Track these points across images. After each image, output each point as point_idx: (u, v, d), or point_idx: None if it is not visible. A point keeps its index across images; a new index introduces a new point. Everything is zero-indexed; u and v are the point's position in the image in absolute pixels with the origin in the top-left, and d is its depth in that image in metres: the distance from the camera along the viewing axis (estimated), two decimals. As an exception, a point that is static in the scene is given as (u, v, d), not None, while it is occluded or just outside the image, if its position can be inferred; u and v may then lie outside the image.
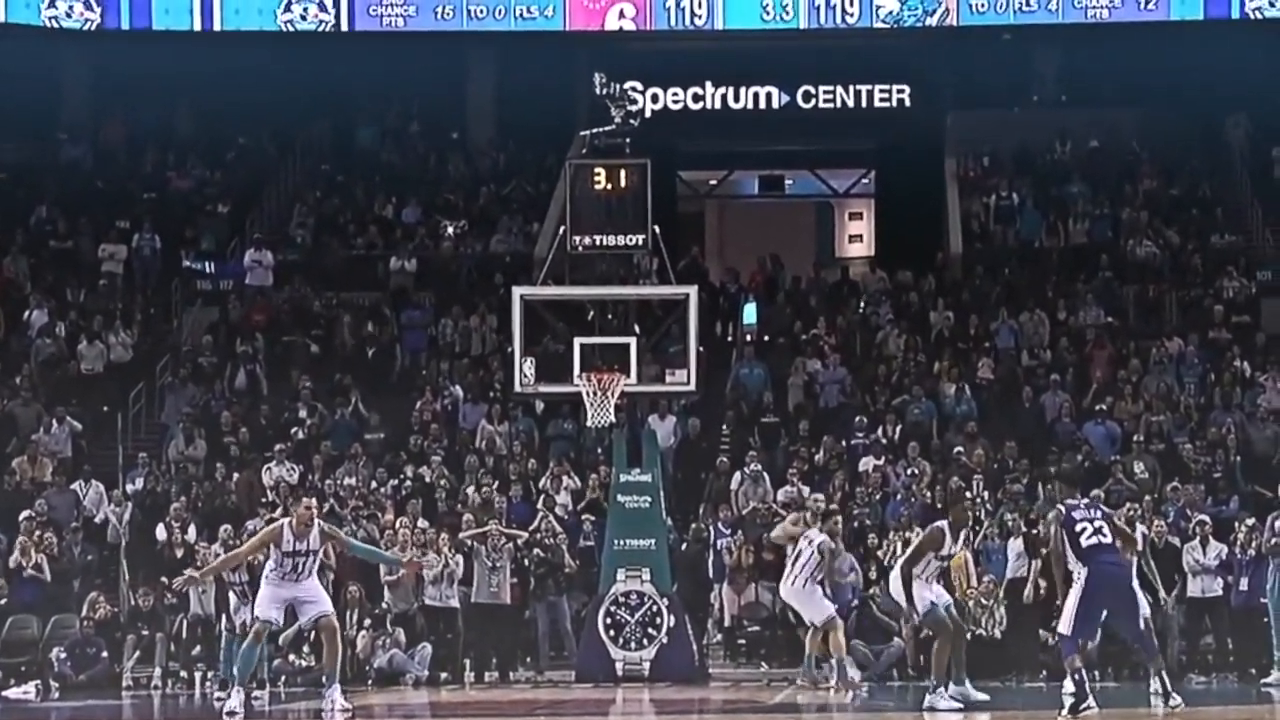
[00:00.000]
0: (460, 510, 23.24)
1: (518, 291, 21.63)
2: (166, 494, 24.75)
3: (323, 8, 33.02)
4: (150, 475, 25.32)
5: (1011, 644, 21.50)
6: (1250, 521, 21.26)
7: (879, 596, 21.70)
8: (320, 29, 33.13)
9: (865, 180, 36.55)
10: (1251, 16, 32.38)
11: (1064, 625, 14.68)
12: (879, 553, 22.32)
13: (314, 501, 16.50)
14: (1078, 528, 14.52)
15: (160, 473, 25.58)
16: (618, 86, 21.56)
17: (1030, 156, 33.87)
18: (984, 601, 21.52)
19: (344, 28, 33.13)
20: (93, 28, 32.88)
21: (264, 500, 24.01)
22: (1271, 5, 32.44)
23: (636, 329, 21.35)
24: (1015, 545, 21.91)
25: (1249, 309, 29.01)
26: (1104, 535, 14.49)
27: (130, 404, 27.65)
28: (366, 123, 35.60)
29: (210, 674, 21.59)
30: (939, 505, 23.21)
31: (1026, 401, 26.73)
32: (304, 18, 33.08)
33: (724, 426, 27.15)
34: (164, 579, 21.94)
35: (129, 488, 25.03)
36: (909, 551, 16.65)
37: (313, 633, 21.35)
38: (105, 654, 21.84)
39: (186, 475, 25.47)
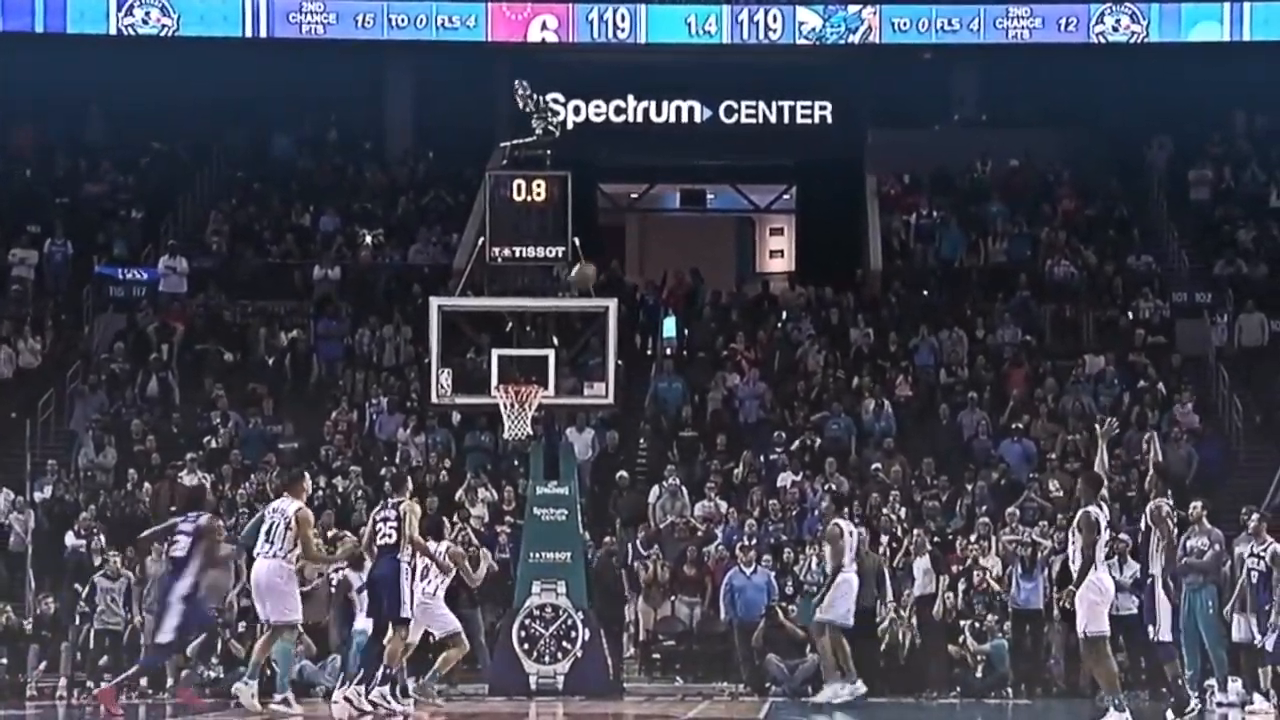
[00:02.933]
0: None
1: (435, 302, 21.43)
2: (75, 502, 24.37)
3: (165, 12, 32.83)
4: (59, 483, 24.91)
5: (923, 660, 21.54)
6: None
7: (792, 610, 21.70)
8: (162, 34, 32.91)
9: (786, 196, 36.61)
10: (1095, 41, 32.95)
11: None
12: (795, 568, 22.27)
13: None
14: None
15: (69, 481, 25.18)
16: (539, 98, 21.44)
17: (950, 175, 34.02)
18: (900, 613, 21.57)
19: (181, 32, 32.92)
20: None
21: (172, 509, 23.64)
22: (1115, 30, 32.92)
23: (555, 341, 21.21)
24: (922, 562, 21.92)
25: (1164, 330, 29.21)
26: None
27: (39, 411, 27.22)
28: (283, 130, 35.29)
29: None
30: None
31: (944, 419, 26.78)
32: (145, 21, 32.85)
33: (641, 440, 27.04)
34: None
35: (37, 495, 24.60)
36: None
37: (219, 643, 21.25)
38: (4, 661, 21.46)
39: (95, 484, 25.08)
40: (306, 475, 18.70)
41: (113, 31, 33.03)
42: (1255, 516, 18.83)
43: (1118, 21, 33.06)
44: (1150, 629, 16.65)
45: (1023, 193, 33.48)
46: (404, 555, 16.66)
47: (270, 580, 16.85)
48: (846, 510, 21.94)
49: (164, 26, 33.07)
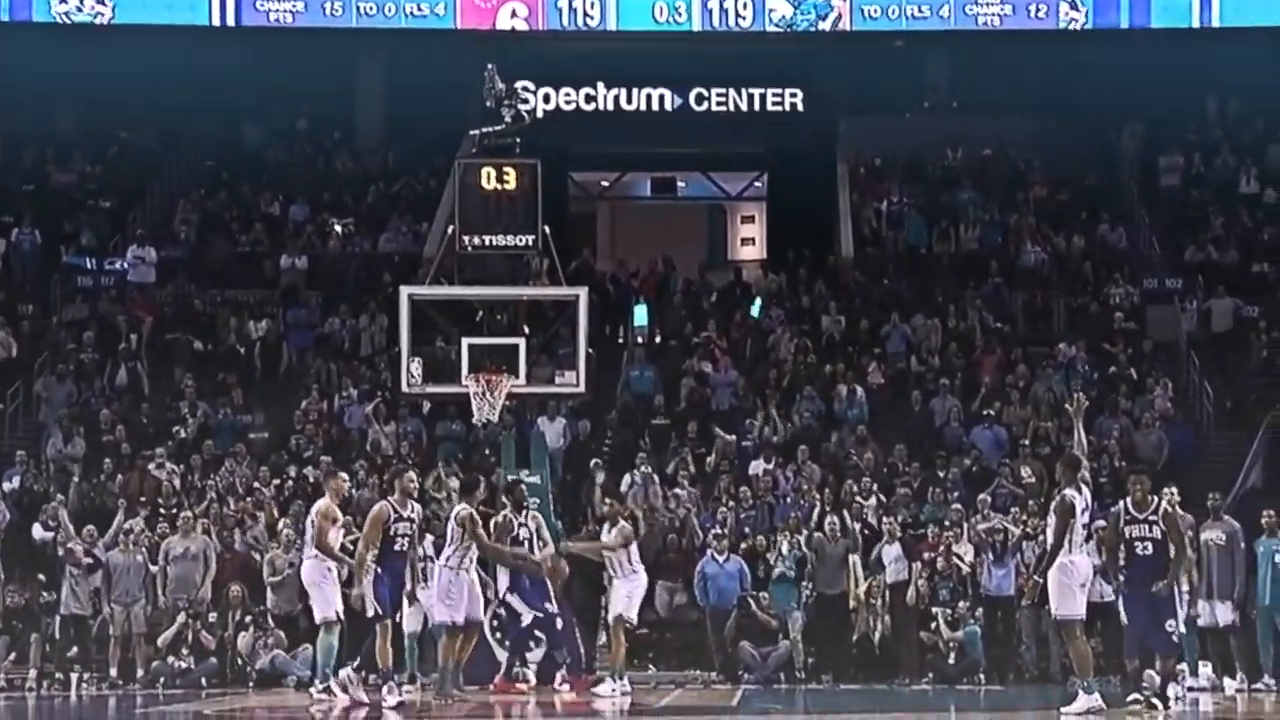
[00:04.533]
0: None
1: (405, 291, 21.36)
2: (44, 493, 24.22)
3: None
4: (27, 474, 24.76)
5: (895, 647, 21.54)
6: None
7: (764, 598, 21.69)
8: (96, 21, 32.69)
9: (757, 184, 36.56)
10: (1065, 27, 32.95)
11: None
12: (767, 555, 22.25)
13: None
14: None
15: (38, 471, 25.04)
16: (508, 86, 21.35)
17: (921, 162, 34.02)
18: (871, 602, 21.59)
19: (114, 20, 32.70)
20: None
21: (142, 499, 23.55)
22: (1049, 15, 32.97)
23: (526, 330, 21.13)
24: (893, 549, 21.94)
25: (1135, 316, 29.25)
26: None
27: (8, 402, 27.07)
28: (253, 119, 35.14)
29: (86, 675, 21.18)
30: (827, 508, 23.16)
31: (916, 406, 26.78)
32: (80, 9, 32.64)
33: (609, 430, 26.96)
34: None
35: (5, 486, 24.45)
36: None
37: (189, 634, 21.13)
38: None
39: (65, 475, 24.94)
40: (340, 474, 18.72)
41: (52, 19, 32.82)
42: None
43: (1055, 6, 33.07)
44: (1171, 623, 16.77)
45: (994, 179, 33.50)
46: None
47: (308, 578, 17.34)
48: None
49: (97, 13, 32.86)
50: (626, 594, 18.98)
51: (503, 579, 19.02)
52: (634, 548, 19.15)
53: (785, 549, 22.02)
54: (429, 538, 19.02)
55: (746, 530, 23.12)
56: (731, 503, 23.53)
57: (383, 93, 35.50)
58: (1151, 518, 17.02)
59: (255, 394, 27.26)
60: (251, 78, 33.65)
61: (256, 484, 24.05)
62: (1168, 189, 33.09)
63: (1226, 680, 20.06)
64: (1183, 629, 17.52)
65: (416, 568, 17.47)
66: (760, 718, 17.09)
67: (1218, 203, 32.27)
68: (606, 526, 19.43)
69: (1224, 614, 20.23)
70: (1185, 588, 18.22)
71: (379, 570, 17.05)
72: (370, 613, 17.04)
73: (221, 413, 26.40)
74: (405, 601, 17.74)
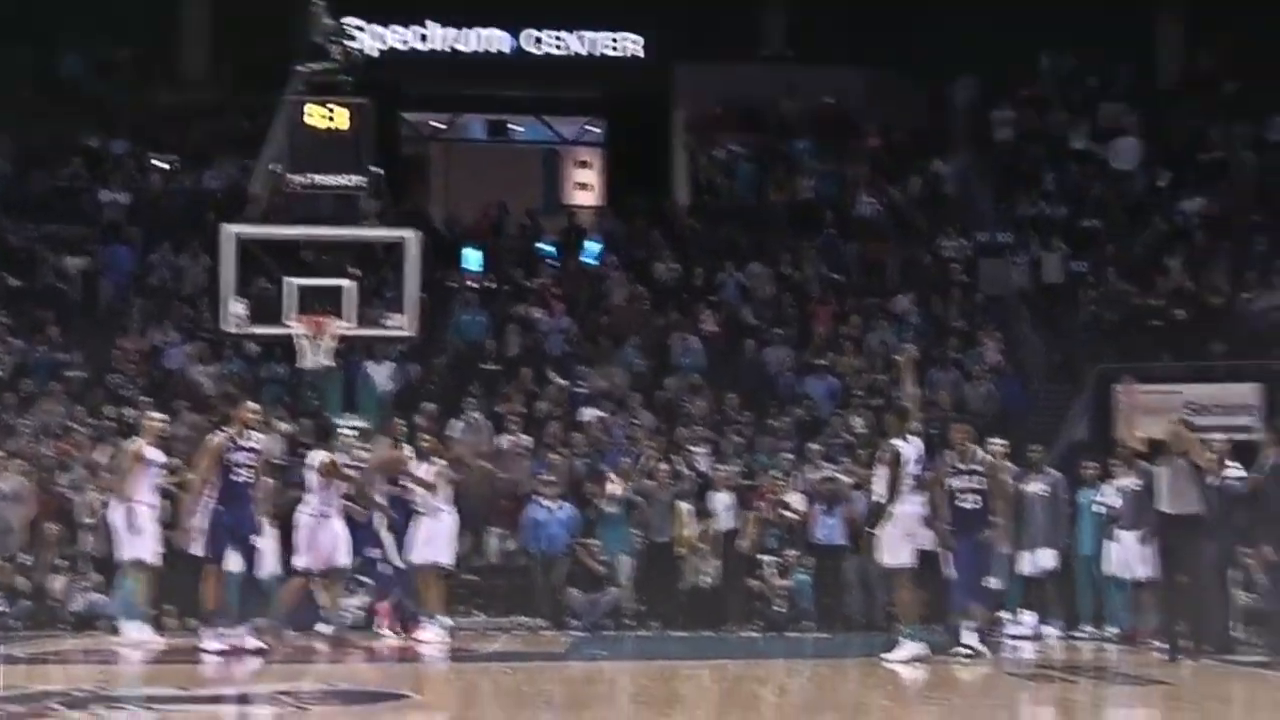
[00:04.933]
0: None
1: (229, 229, 20.82)
2: None
3: None
4: None
5: (724, 595, 21.49)
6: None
7: (595, 544, 21.55)
8: None
9: (594, 128, 36.26)
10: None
11: None
12: (597, 501, 22.06)
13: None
14: None
15: None
16: (337, 22, 20.88)
17: (758, 111, 33.86)
18: (701, 549, 21.53)
19: None
20: None
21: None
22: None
23: (356, 272, 20.74)
24: (724, 497, 21.87)
25: (968, 269, 29.40)
26: None
27: None
28: (72, 50, 34.03)
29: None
30: (659, 455, 22.97)
31: (749, 355, 26.70)
32: None
33: (437, 373, 26.55)
34: None
35: None
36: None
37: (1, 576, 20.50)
38: None
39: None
40: (155, 414, 18.81)
41: None
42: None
43: None
44: (992, 580, 17.05)
45: (830, 130, 33.43)
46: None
47: (114, 520, 17.77)
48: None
49: None
50: (428, 537, 18.75)
51: (379, 519, 18.65)
52: (448, 489, 18.92)
53: (617, 493, 21.86)
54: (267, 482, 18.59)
55: (578, 477, 22.91)
56: (563, 449, 23.29)
57: (209, 25, 34.56)
58: (975, 468, 17.14)
59: (73, 332, 26.47)
60: (70, 6, 32.57)
61: (72, 423, 23.34)
62: (1000, 143, 33.27)
63: (1046, 628, 20.29)
64: (1002, 585, 17.74)
65: (261, 504, 17.09)
66: (588, 664, 16.90)
67: (1049, 158, 32.51)
68: (424, 466, 19.13)
69: (1046, 562, 20.48)
70: (1005, 538, 18.32)
71: (221, 509, 16.62)
72: (200, 552, 16.62)
73: (38, 350, 25.62)
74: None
